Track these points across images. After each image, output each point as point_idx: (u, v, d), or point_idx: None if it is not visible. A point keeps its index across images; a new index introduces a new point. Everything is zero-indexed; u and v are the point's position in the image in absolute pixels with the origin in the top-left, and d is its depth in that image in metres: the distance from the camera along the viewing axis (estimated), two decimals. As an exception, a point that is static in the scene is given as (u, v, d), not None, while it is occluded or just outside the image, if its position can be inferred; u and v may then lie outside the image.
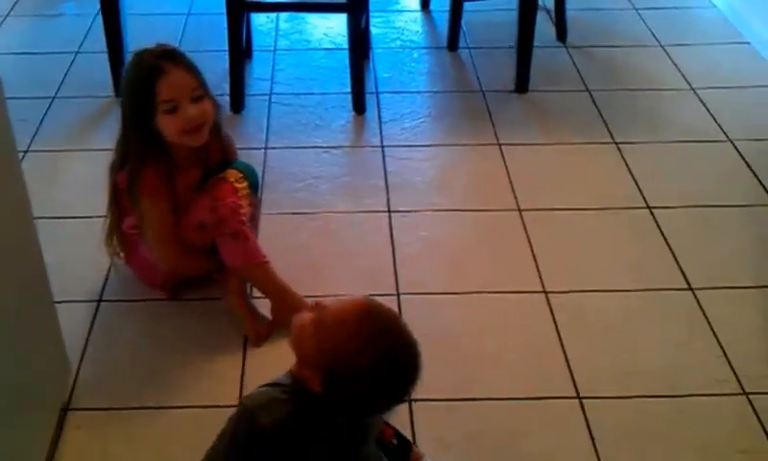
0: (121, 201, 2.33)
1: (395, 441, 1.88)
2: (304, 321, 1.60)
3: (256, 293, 2.39)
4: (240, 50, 3.27)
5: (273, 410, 1.58)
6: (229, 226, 2.24)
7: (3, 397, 1.70)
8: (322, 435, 1.59)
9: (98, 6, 3.34)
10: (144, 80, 2.18)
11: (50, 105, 3.32)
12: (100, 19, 3.35)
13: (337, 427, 1.60)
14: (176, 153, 2.25)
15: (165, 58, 2.18)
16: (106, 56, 3.38)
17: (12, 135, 1.80)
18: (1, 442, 1.70)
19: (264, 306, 2.36)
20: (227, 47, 3.23)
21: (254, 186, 2.40)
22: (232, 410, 2.05)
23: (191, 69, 2.22)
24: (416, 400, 2.11)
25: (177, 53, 2.22)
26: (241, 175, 2.34)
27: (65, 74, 3.54)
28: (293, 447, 1.58)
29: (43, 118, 3.23)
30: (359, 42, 3.19)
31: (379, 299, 2.37)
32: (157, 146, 2.23)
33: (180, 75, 2.18)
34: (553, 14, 3.83)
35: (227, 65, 3.24)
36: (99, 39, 3.57)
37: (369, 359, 1.52)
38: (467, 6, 3.66)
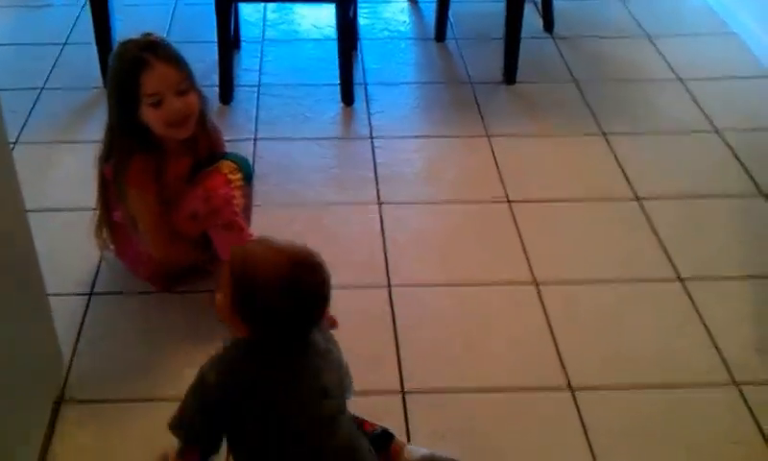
0: (109, 192, 2.33)
1: (377, 430, 1.92)
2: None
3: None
4: (229, 41, 3.26)
5: (217, 366, 1.68)
6: (222, 216, 2.24)
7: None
8: (260, 383, 1.66)
9: (86, -5, 3.33)
10: (128, 72, 2.16)
11: (38, 96, 3.31)
12: (87, 10, 3.34)
13: (271, 371, 1.67)
14: (164, 142, 2.25)
15: (150, 50, 2.16)
16: (94, 47, 3.37)
17: (3, 126, 1.79)
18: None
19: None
20: (215, 38, 3.23)
21: (248, 178, 2.39)
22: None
23: (176, 62, 2.20)
24: (408, 393, 2.13)
25: (162, 45, 2.20)
26: (235, 166, 2.34)
27: (53, 65, 3.52)
28: (239, 398, 1.66)
29: (32, 110, 3.21)
30: (347, 33, 3.19)
31: (371, 291, 2.42)
32: (144, 136, 2.21)
33: (165, 68, 2.16)
34: (540, 5, 3.84)
35: (215, 56, 3.24)
36: (87, 30, 3.56)
37: (277, 279, 1.61)
38: (454, -4, 3.68)
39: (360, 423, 1.93)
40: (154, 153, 2.23)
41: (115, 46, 2.23)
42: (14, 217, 1.88)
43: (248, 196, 2.38)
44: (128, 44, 2.19)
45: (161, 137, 2.23)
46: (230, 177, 2.30)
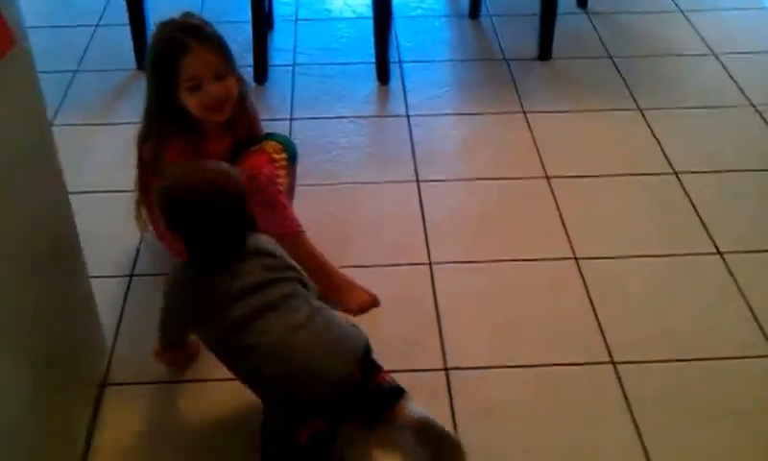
0: (147, 173, 2.33)
1: (390, 384, 1.97)
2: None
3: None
4: (263, 20, 3.27)
5: (169, 284, 1.97)
6: (266, 194, 2.24)
7: (43, 374, 1.72)
8: (202, 287, 1.88)
9: (115, -23, 3.34)
10: (167, 55, 2.17)
11: (72, 78, 3.33)
12: (118, -9, 3.36)
13: (210, 276, 1.87)
14: (202, 124, 2.26)
15: (190, 33, 2.15)
16: (126, 29, 3.38)
17: (44, 108, 1.80)
18: (43, 419, 1.71)
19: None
20: (248, 18, 3.24)
21: (292, 158, 2.40)
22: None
23: (216, 46, 2.19)
24: (452, 369, 2.13)
25: (202, 27, 2.19)
26: (279, 146, 2.34)
27: (86, 47, 3.54)
28: (189, 303, 1.91)
29: (66, 92, 3.23)
30: (383, 11, 3.18)
31: (411, 268, 2.43)
32: (182, 118, 2.22)
33: (204, 53, 2.16)
34: (574, -19, 3.82)
35: (248, 36, 3.24)
36: (119, 12, 3.57)
37: (197, 191, 1.86)
38: (488, -27, 3.67)
39: (377, 369, 1.96)
40: (192, 133, 2.24)
41: (155, 26, 2.23)
42: (58, 200, 1.89)
43: (291, 176, 2.39)
44: (168, 25, 2.19)
45: (199, 119, 2.24)
46: (275, 156, 2.31)
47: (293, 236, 2.28)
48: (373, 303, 2.33)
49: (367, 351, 1.92)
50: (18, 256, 1.61)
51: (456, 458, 1.90)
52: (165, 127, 2.23)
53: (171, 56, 2.15)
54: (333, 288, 2.32)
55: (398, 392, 1.96)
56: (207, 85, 2.17)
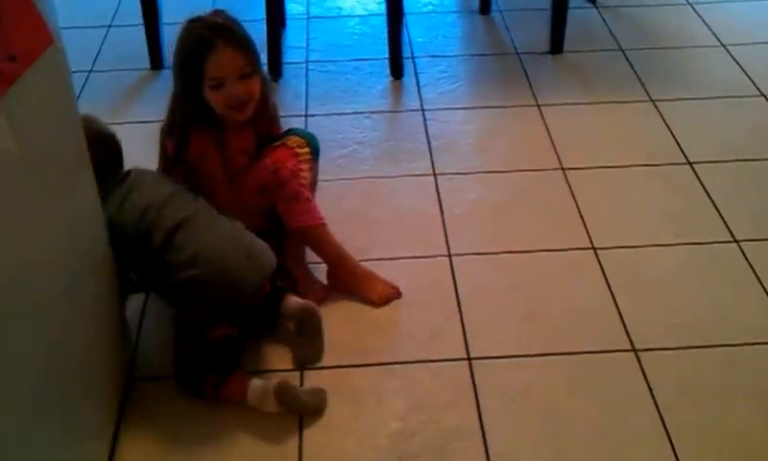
0: (169, 166, 2.35)
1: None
2: None
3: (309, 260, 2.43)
4: (277, 17, 3.29)
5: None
6: (290, 188, 2.27)
7: (71, 370, 1.73)
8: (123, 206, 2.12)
9: (127, -22, 3.34)
10: (194, 52, 2.19)
11: (86, 78, 3.34)
12: (131, -8, 3.37)
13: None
14: (225, 120, 2.28)
15: (217, 32, 2.18)
16: (139, 29, 3.40)
17: (77, 107, 1.83)
18: (71, 415, 1.73)
19: (319, 272, 2.40)
20: (259, 16, 3.26)
21: (315, 153, 2.43)
22: (291, 374, 2.12)
23: (242, 46, 2.21)
24: (475, 359, 2.16)
25: (230, 27, 2.21)
26: (303, 141, 2.38)
27: (100, 47, 3.55)
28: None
29: (81, 92, 3.24)
30: (397, 7, 3.21)
31: (431, 260, 2.45)
32: (206, 113, 2.25)
33: (230, 53, 2.18)
34: (583, -25, 3.85)
35: (260, 34, 3.25)
36: (131, 13, 3.60)
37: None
38: (498, -31, 3.70)
39: (284, 291, 2.19)
40: (214, 129, 2.27)
41: (184, 23, 2.24)
42: (92, 201, 1.91)
43: (314, 170, 2.42)
44: (197, 23, 2.21)
45: (222, 116, 2.26)
46: (298, 150, 2.34)
47: (316, 229, 2.31)
48: (395, 294, 2.35)
49: (278, 268, 2.11)
50: (53, 258, 1.63)
51: (313, 323, 2.16)
52: (189, 121, 2.26)
53: (197, 54, 2.18)
54: (356, 281, 2.35)
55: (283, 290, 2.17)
56: (231, 85, 2.19)
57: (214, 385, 2.03)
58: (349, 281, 2.34)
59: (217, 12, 2.25)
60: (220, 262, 2.01)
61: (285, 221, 2.30)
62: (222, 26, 2.19)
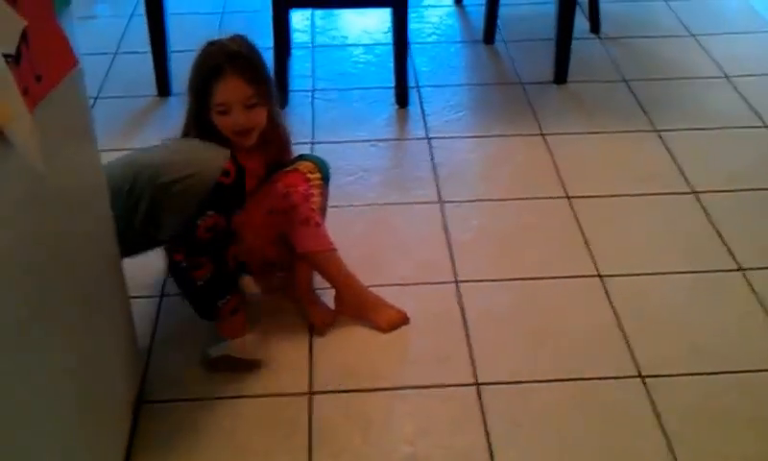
0: None
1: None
2: None
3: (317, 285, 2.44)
4: (285, 46, 3.32)
5: None
6: (301, 212, 2.29)
7: (83, 389, 1.74)
8: None
9: (132, 7, 3.35)
10: (204, 77, 2.21)
11: (93, 105, 3.36)
12: (136, 20, 3.39)
13: None
14: (233, 142, 2.29)
15: (230, 60, 2.19)
16: (145, 56, 3.42)
17: (92, 131, 1.85)
18: (83, 433, 1.74)
19: (326, 297, 2.41)
20: (266, 44, 3.27)
21: (325, 178, 2.44)
22: (302, 399, 2.13)
23: (251, 76, 2.22)
24: (483, 384, 2.16)
25: (242, 55, 2.22)
26: (313, 166, 2.40)
27: (105, 75, 3.57)
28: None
29: (88, 119, 3.26)
30: (403, 37, 3.23)
31: (438, 286, 2.46)
32: (215, 135, 2.25)
33: (237, 82, 2.19)
34: (586, 7, 3.87)
35: (267, 63, 3.27)
36: (136, 40, 3.64)
37: None
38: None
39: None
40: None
41: (204, 43, 2.25)
42: (102, 220, 1.92)
43: (324, 196, 2.43)
44: (214, 47, 2.23)
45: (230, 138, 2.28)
46: (309, 176, 2.35)
47: (326, 254, 2.33)
48: (403, 320, 2.36)
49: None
50: (66, 274, 1.64)
51: None
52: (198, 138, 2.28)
53: (207, 77, 2.20)
54: (364, 306, 2.36)
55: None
56: (235, 112, 2.21)
57: (230, 311, 2.22)
58: (358, 306, 2.35)
59: (236, 38, 2.26)
60: (182, 160, 2.05)
61: (295, 245, 2.31)
62: (236, 54, 2.21)
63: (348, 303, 2.36)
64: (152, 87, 3.42)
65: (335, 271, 2.35)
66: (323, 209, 2.43)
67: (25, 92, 1.30)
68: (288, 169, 2.37)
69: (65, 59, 1.53)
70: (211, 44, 2.24)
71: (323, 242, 2.32)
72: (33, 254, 1.44)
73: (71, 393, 1.66)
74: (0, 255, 1.29)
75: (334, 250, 2.34)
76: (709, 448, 2.01)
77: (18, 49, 1.30)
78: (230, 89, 2.19)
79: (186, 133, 2.30)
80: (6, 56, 1.22)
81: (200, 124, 2.25)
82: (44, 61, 1.39)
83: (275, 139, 2.38)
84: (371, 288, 2.39)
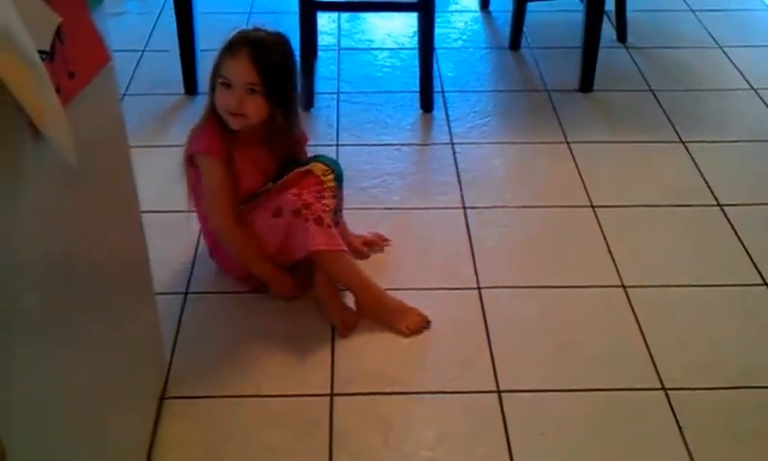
0: (186, 167, 2.43)
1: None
2: None
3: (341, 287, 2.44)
4: (311, 48, 3.32)
5: None
6: (314, 210, 2.29)
7: (111, 384, 1.75)
8: None
9: (160, 4, 3.36)
10: (222, 52, 2.29)
11: (120, 102, 3.35)
12: (164, 18, 3.39)
13: None
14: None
15: (246, 43, 2.26)
16: (173, 54, 3.43)
17: (123, 127, 1.86)
18: (107, 429, 1.75)
19: (348, 299, 2.42)
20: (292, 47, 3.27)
21: (339, 179, 2.44)
22: (324, 399, 2.13)
23: (260, 63, 2.26)
24: (504, 392, 2.16)
25: (262, 43, 2.28)
26: (327, 168, 2.40)
27: (133, 72, 3.58)
28: None
29: (114, 115, 3.27)
30: (430, 41, 3.23)
31: (461, 292, 2.46)
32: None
33: (245, 63, 2.25)
34: (613, 16, 3.86)
35: (293, 64, 3.29)
36: (164, 38, 3.64)
37: None
38: (529, 6, 3.71)
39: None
40: (227, 131, 2.34)
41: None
42: (131, 216, 1.93)
43: (338, 197, 2.43)
44: (242, 31, 2.31)
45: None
46: (323, 178, 2.36)
47: (336, 254, 2.32)
48: (424, 324, 2.35)
49: None
50: (96, 270, 1.65)
51: None
52: (210, 116, 2.35)
53: (223, 51, 2.28)
54: (383, 310, 2.36)
55: None
56: (233, 91, 2.28)
57: None
58: (377, 311, 2.35)
59: (272, 33, 2.33)
60: None
61: (307, 246, 2.30)
62: (258, 40, 2.28)
63: (367, 306, 2.36)
64: (179, 85, 3.43)
65: (347, 273, 2.36)
66: (338, 211, 2.43)
67: (58, 89, 1.30)
68: (301, 170, 2.38)
69: (98, 55, 1.54)
70: (242, 30, 2.31)
71: (332, 242, 2.31)
72: (63, 250, 1.45)
73: (100, 387, 1.67)
74: (32, 251, 1.30)
75: (345, 251, 2.35)
76: (733, 463, 2.01)
77: (53, 45, 1.30)
78: (237, 66, 2.27)
79: (208, 114, 2.37)
80: (41, 52, 1.23)
81: (211, 99, 2.35)
82: (78, 58, 1.40)
83: (279, 137, 2.41)
84: (392, 292, 2.39)
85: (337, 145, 3.12)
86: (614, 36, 3.86)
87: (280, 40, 2.32)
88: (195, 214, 2.49)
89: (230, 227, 2.36)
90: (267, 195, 2.39)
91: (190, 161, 2.38)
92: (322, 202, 2.33)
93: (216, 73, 2.30)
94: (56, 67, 1.32)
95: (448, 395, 2.16)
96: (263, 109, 2.31)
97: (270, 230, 2.34)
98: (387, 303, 2.37)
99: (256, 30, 2.30)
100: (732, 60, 3.71)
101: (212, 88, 2.33)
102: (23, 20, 1.16)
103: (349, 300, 2.41)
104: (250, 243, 2.37)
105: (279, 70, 2.30)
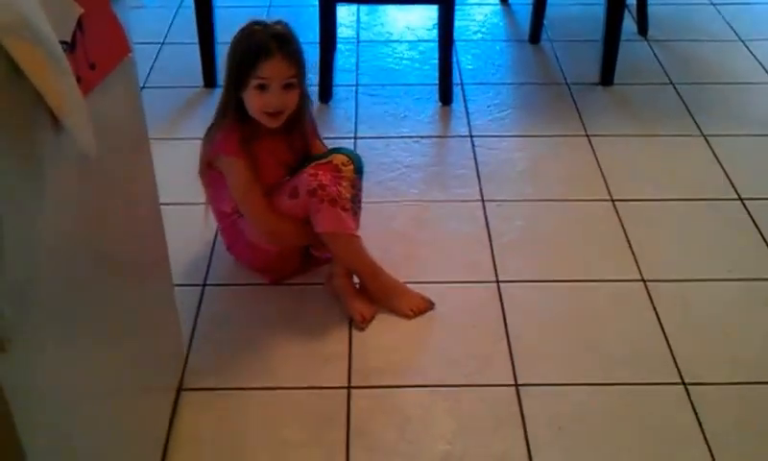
0: (203, 169, 2.43)
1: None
2: None
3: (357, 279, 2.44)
4: (331, 40, 3.31)
5: None
6: (329, 192, 2.28)
7: (128, 377, 1.75)
8: None
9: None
10: (251, 54, 2.26)
11: (139, 94, 3.36)
12: (183, 11, 3.39)
13: None
14: (258, 122, 2.34)
15: (277, 41, 2.26)
16: (192, 47, 3.43)
17: (143, 118, 1.86)
18: (125, 420, 1.75)
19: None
20: (312, 39, 3.28)
21: (359, 171, 2.43)
22: (341, 392, 2.12)
23: (294, 58, 2.29)
24: (522, 386, 2.15)
25: (288, 39, 2.29)
26: (347, 159, 2.39)
27: (152, 65, 3.59)
28: None
29: (133, 107, 3.27)
30: (449, 34, 3.22)
31: (479, 286, 2.45)
32: (242, 112, 2.33)
33: (281, 61, 2.25)
34: (634, 9, 3.84)
35: (312, 56, 3.27)
36: (183, 31, 3.65)
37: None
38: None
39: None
40: (246, 127, 2.34)
41: (249, 22, 2.32)
42: (151, 208, 1.94)
43: (357, 187, 2.41)
44: (260, 27, 2.29)
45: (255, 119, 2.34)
46: (342, 167, 2.34)
47: (348, 238, 2.33)
48: (428, 306, 2.36)
49: None
50: (115, 260, 1.65)
51: None
52: (227, 115, 2.34)
53: (255, 54, 2.26)
54: (387, 293, 2.38)
55: None
56: (273, 91, 2.27)
57: None
58: (382, 293, 2.38)
59: (279, 22, 2.32)
60: None
61: (318, 226, 2.31)
62: (282, 35, 2.28)
63: (373, 291, 2.38)
64: (198, 78, 3.43)
65: (357, 256, 2.37)
66: (357, 201, 2.41)
67: (79, 79, 1.30)
68: (322, 161, 2.37)
69: (119, 46, 1.54)
70: (257, 23, 2.30)
71: (346, 225, 2.31)
72: (83, 240, 1.45)
73: (117, 377, 1.67)
74: (50, 241, 1.30)
75: (358, 237, 2.35)
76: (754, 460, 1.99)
77: (74, 36, 1.30)
78: (275, 67, 2.26)
79: (223, 114, 2.35)
80: (62, 43, 1.23)
81: (232, 100, 2.32)
82: (99, 49, 1.40)
83: (299, 125, 2.42)
84: (409, 284, 2.40)
85: (355, 137, 3.11)
86: (635, 29, 3.84)
87: (289, 27, 2.33)
88: (212, 215, 2.51)
89: (271, 214, 2.36)
90: (284, 184, 2.39)
91: (209, 166, 2.38)
92: (338, 186, 2.32)
93: (244, 77, 2.27)
94: (77, 58, 1.32)
95: (466, 388, 2.15)
96: (296, 99, 2.34)
97: (289, 212, 2.36)
98: (391, 287, 2.39)
99: (266, 25, 2.29)
100: (753, 54, 3.69)
101: (234, 89, 2.30)
102: (45, 11, 1.16)
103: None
104: (286, 221, 2.38)
105: (302, 57, 2.33)
